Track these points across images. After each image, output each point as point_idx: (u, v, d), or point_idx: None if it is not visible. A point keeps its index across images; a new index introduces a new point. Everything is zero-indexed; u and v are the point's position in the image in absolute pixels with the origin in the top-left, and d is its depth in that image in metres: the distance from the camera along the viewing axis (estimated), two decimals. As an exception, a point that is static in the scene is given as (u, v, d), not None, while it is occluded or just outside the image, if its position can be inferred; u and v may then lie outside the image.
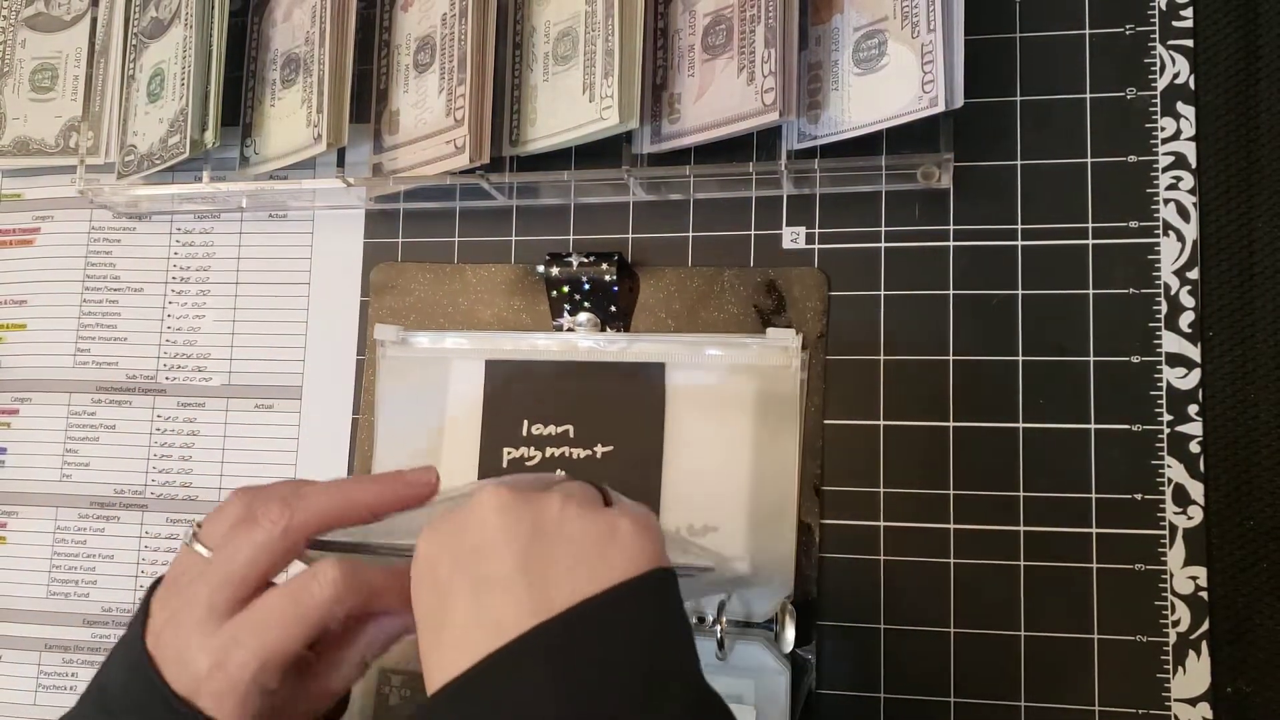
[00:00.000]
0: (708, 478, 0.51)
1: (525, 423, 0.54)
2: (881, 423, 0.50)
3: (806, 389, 0.51)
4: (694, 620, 0.48)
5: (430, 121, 0.53)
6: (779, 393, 0.51)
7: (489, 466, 0.54)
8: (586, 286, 0.53)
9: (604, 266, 0.52)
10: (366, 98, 0.56)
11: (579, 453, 0.53)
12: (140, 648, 0.38)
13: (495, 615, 0.33)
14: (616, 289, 0.53)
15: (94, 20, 0.61)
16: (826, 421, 0.51)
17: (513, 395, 0.54)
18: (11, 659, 0.59)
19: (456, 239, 0.57)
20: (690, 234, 0.54)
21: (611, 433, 0.52)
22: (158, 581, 0.41)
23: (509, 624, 0.32)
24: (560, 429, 0.53)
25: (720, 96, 0.49)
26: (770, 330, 0.51)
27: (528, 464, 0.53)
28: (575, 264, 0.53)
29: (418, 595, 0.36)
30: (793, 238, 0.53)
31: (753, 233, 0.53)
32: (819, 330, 0.51)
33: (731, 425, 0.51)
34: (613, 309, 0.53)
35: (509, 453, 0.54)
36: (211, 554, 0.39)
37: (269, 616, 0.38)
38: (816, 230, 0.52)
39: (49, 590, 0.60)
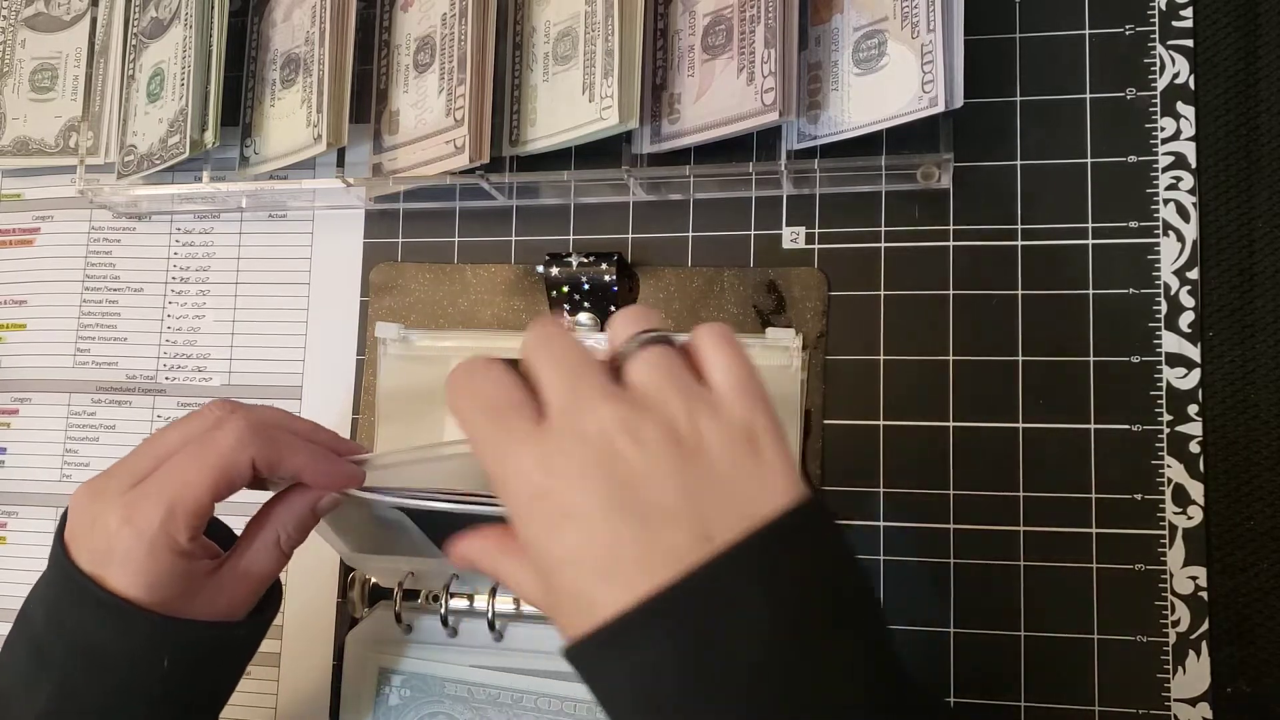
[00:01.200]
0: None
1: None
2: (881, 423, 0.50)
3: (806, 389, 0.51)
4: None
5: (430, 121, 0.53)
6: (779, 393, 0.51)
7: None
8: (586, 286, 0.53)
9: (604, 266, 0.52)
10: (366, 98, 0.56)
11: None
12: (58, 544, 0.40)
13: (669, 544, 0.32)
14: (616, 289, 0.53)
15: (94, 20, 0.61)
16: (826, 421, 0.51)
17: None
18: (11, 659, 0.59)
19: (456, 239, 0.57)
20: (690, 234, 0.54)
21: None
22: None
23: (684, 551, 0.32)
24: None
25: (720, 96, 0.49)
26: (770, 330, 0.51)
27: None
28: (575, 264, 0.53)
29: (549, 530, 0.33)
30: (792, 238, 0.53)
31: (752, 233, 0.53)
32: (819, 330, 0.51)
33: (731, 425, 0.51)
34: (612, 309, 0.53)
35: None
36: None
37: (174, 465, 0.40)
38: (816, 230, 0.52)
39: (49, 590, 0.60)
